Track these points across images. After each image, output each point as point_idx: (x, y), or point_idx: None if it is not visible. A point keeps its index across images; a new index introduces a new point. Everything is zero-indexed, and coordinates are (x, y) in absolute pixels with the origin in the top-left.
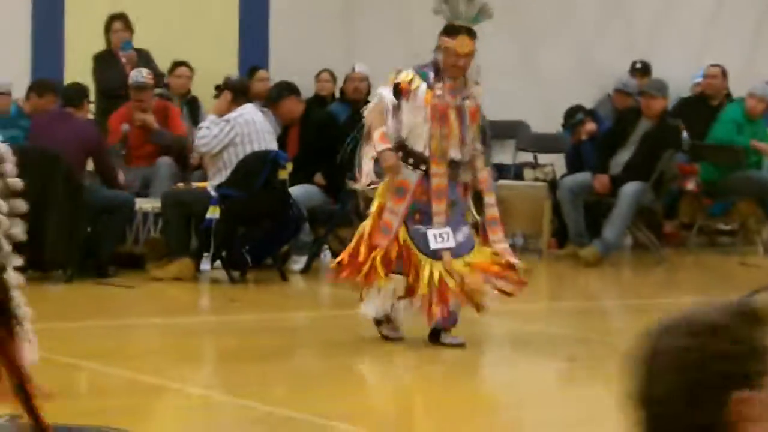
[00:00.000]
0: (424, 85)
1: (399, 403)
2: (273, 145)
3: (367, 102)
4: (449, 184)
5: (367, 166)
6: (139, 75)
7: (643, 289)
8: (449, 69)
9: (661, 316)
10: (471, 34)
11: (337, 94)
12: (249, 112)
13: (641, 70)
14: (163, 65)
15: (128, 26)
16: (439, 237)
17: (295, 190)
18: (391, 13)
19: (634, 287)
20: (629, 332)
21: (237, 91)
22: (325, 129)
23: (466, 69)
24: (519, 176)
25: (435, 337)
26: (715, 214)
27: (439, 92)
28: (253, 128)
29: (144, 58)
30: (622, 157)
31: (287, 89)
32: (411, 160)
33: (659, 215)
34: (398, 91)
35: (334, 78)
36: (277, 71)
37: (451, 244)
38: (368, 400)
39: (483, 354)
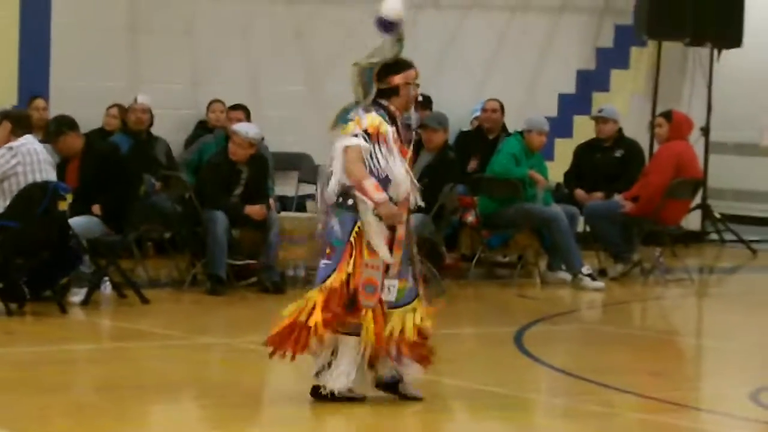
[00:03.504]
0: (390, 128)
1: None
2: (53, 176)
3: (149, 133)
4: None
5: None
6: None
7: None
8: (408, 104)
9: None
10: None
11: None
12: (31, 142)
13: (422, 103)
14: None
15: None
16: (388, 290)
17: (76, 221)
18: (175, 43)
19: None
20: None
21: (17, 122)
22: (107, 160)
23: None
24: (301, 208)
25: (388, 387)
26: (494, 246)
27: (395, 135)
28: (35, 158)
29: None
30: None
31: (66, 125)
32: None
33: (440, 247)
34: (368, 137)
35: (122, 113)
36: (57, 100)
37: (392, 298)
38: None
39: (266, 384)
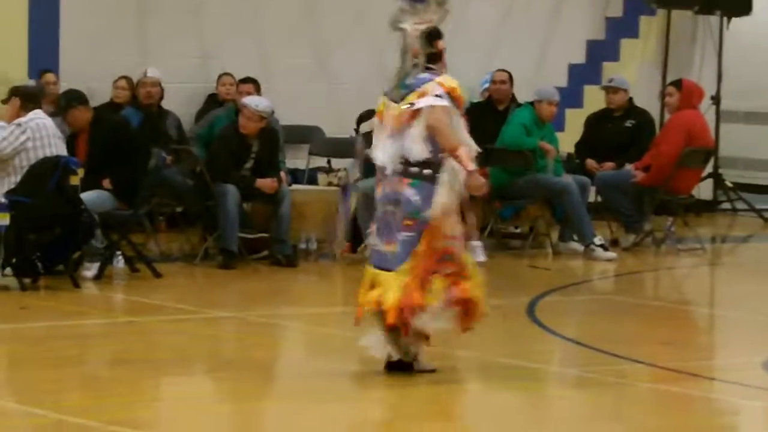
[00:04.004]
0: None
1: (192, 411)
2: (63, 151)
3: (160, 107)
4: None
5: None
6: None
7: None
8: (445, 69)
9: None
10: None
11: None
12: (40, 117)
13: None
14: None
15: None
16: (477, 251)
17: (87, 196)
18: (184, 17)
19: None
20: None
21: (26, 98)
22: (118, 134)
23: None
24: (313, 181)
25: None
26: (506, 217)
27: None
28: (44, 133)
29: None
30: None
31: (76, 99)
32: None
33: None
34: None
35: (131, 85)
36: (68, 75)
37: (483, 258)
38: (161, 408)
39: (279, 358)
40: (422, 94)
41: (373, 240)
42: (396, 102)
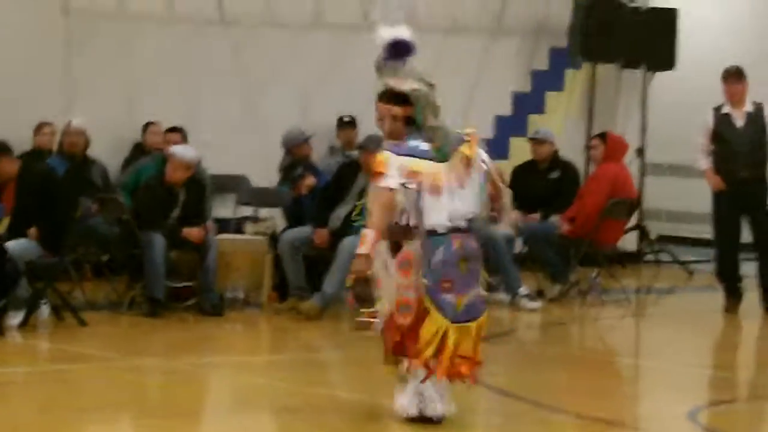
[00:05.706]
0: None
1: None
2: None
3: (85, 156)
4: None
5: None
6: None
7: (361, 341)
8: None
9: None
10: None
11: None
12: None
13: (349, 123)
14: None
15: None
16: None
17: (12, 245)
18: (110, 65)
19: (352, 340)
20: (349, 384)
21: None
22: (44, 183)
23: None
24: (239, 230)
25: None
26: None
27: None
28: None
29: None
30: (341, 211)
31: (0, 149)
32: None
33: None
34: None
35: (54, 131)
36: None
37: None
38: None
39: (205, 406)
40: (470, 152)
41: (448, 296)
42: (446, 161)
